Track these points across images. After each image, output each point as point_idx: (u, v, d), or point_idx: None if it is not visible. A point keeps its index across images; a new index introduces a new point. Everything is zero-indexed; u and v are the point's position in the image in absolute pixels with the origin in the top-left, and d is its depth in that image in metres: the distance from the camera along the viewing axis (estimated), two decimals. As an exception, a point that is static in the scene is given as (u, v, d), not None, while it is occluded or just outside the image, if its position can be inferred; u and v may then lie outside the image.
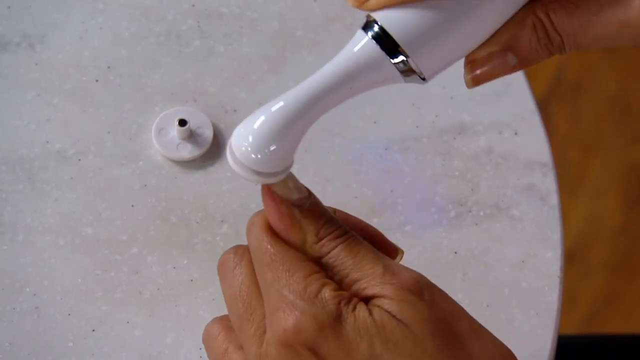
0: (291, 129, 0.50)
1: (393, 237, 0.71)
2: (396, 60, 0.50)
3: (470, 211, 0.74)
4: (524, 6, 0.53)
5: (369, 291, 0.49)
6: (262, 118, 0.50)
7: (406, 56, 0.50)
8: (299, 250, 0.51)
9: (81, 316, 0.69)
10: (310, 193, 0.52)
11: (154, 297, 0.70)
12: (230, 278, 0.54)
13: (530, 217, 0.74)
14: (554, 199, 0.75)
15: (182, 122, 0.73)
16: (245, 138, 0.50)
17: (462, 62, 0.54)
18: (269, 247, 0.51)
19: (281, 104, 0.50)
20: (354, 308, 0.49)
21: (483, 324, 0.68)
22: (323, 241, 0.51)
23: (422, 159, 0.76)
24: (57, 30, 0.77)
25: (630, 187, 1.67)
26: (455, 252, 0.72)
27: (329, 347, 0.49)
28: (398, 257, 0.56)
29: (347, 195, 0.74)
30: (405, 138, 0.76)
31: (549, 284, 0.71)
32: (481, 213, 0.74)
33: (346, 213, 0.56)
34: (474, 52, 0.53)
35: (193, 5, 0.78)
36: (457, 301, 0.68)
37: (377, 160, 0.75)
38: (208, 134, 0.74)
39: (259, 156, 0.49)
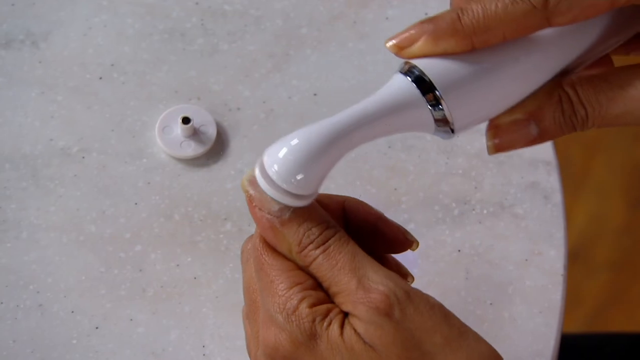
0: (320, 158, 0.50)
1: (397, 235, 0.71)
2: (432, 105, 0.51)
3: (474, 209, 0.74)
4: (552, 80, 0.54)
5: (345, 307, 0.50)
6: (296, 142, 0.50)
7: (441, 103, 0.51)
8: (290, 259, 0.52)
9: (85, 313, 0.69)
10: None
11: (157, 294, 0.70)
12: (244, 269, 0.55)
13: (534, 215, 0.74)
14: (557, 197, 0.75)
15: (186, 120, 0.73)
16: (275, 159, 0.50)
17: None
18: (260, 254, 0.52)
19: (316, 130, 0.50)
20: (329, 325, 0.49)
21: (486, 322, 0.69)
22: (304, 252, 0.51)
23: (425, 157, 0.76)
24: (61, 28, 0.77)
25: (634, 186, 1.66)
26: (459, 250, 0.72)
27: None
28: (413, 247, 0.56)
29: (351, 193, 0.73)
30: (408, 136, 0.76)
31: (552, 282, 0.71)
32: (485, 211, 0.74)
33: (360, 203, 0.55)
34: (498, 117, 0.53)
35: (197, 3, 0.78)
36: (460, 299, 0.68)
37: (380, 158, 0.75)
38: (212, 131, 0.74)
39: (287, 179, 0.49)
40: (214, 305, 0.70)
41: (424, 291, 0.51)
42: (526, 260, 0.72)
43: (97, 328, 0.68)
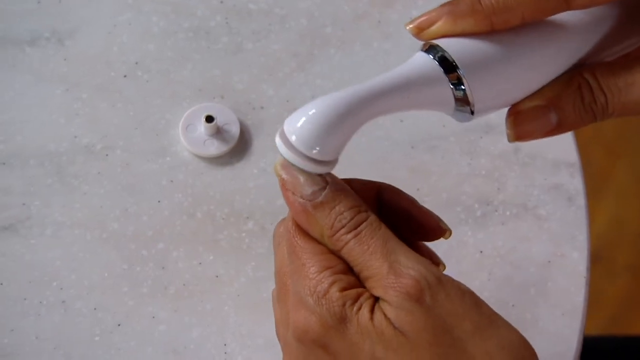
0: (337, 127, 0.50)
1: (419, 235, 0.71)
2: (453, 84, 0.51)
3: (496, 210, 0.74)
4: (571, 69, 0.54)
5: (375, 292, 0.49)
6: (314, 111, 0.50)
7: (463, 83, 0.51)
8: (321, 243, 0.52)
9: (107, 310, 0.69)
10: (327, 182, 0.51)
11: (179, 292, 0.70)
12: (276, 252, 0.55)
13: (557, 217, 0.74)
14: (580, 199, 0.74)
15: (210, 119, 0.73)
16: (296, 123, 0.50)
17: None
18: (292, 237, 0.52)
19: (336, 96, 0.50)
20: (359, 309, 0.49)
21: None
22: (336, 235, 0.50)
23: (448, 158, 0.75)
24: (86, 26, 0.77)
25: (656, 189, 1.66)
26: (481, 252, 0.72)
27: (336, 346, 0.49)
28: (446, 235, 0.55)
29: (374, 193, 0.73)
30: (431, 137, 0.76)
31: (575, 284, 0.71)
32: (508, 212, 0.74)
33: (394, 189, 0.55)
34: (519, 103, 0.53)
35: (222, 2, 0.79)
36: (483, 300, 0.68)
37: (403, 158, 0.75)
38: (235, 130, 0.74)
39: (306, 146, 0.49)
40: (235, 304, 0.70)
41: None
42: (549, 262, 0.72)
43: (119, 325, 0.69)
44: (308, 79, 0.77)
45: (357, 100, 0.50)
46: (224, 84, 0.77)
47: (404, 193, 0.56)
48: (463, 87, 0.51)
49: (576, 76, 0.53)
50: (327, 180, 0.51)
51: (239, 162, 0.74)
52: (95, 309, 0.69)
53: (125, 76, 0.76)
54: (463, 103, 0.51)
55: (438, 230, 0.55)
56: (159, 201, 0.72)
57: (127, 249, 0.71)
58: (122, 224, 0.71)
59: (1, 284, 0.69)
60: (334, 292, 0.49)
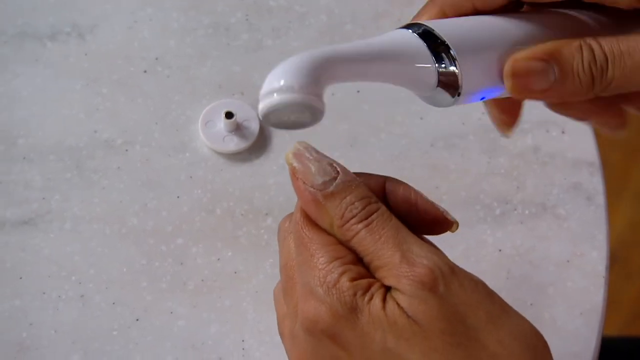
0: (317, 70, 0.49)
1: (438, 233, 0.71)
2: (439, 61, 0.51)
3: (515, 209, 0.74)
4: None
5: (387, 281, 0.49)
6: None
7: (454, 62, 0.50)
8: (330, 234, 0.52)
9: (126, 305, 0.69)
10: (338, 173, 0.51)
11: (198, 288, 0.70)
12: (282, 247, 0.55)
13: (576, 216, 0.73)
14: (600, 198, 0.74)
15: (229, 115, 0.73)
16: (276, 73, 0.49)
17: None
18: (301, 229, 0.52)
19: (319, 50, 0.50)
20: (370, 299, 0.49)
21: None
22: (346, 225, 0.50)
23: (467, 156, 0.75)
24: (106, 21, 0.78)
25: (674, 191, 1.65)
26: (500, 250, 0.72)
27: (346, 336, 0.49)
28: (453, 228, 0.55)
29: (392, 191, 0.73)
30: (451, 135, 0.76)
31: (594, 284, 0.71)
32: (526, 211, 0.74)
33: (401, 182, 0.55)
34: (519, 53, 0.53)
35: (242, -1, 0.79)
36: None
37: (422, 156, 0.75)
38: (254, 127, 0.74)
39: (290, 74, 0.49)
40: (253, 300, 0.70)
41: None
42: (568, 261, 0.72)
43: (137, 320, 0.69)
44: (328, 76, 0.77)
45: (330, 58, 0.50)
46: (244, 81, 0.77)
47: (410, 186, 0.55)
48: (452, 68, 0.51)
49: (577, 40, 0.52)
50: (338, 171, 0.51)
51: (258, 159, 0.74)
52: (113, 303, 0.69)
53: (145, 72, 0.76)
54: (447, 84, 0.51)
55: (445, 222, 0.55)
56: (178, 197, 0.73)
57: (146, 244, 0.71)
58: (142, 219, 0.72)
59: (20, 277, 0.69)
60: (345, 282, 0.49)
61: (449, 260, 0.50)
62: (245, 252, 0.71)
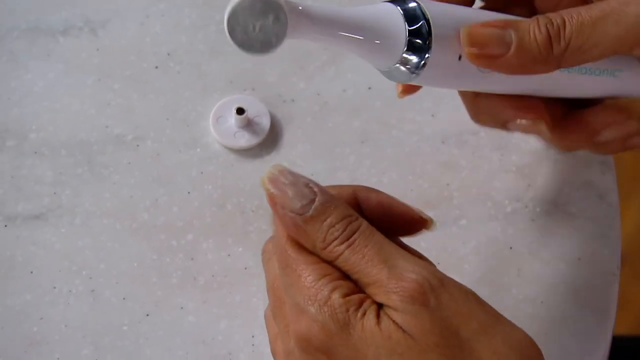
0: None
1: (449, 230, 0.71)
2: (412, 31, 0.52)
3: (526, 207, 0.73)
4: None
5: (378, 298, 0.49)
6: None
7: (430, 30, 0.52)
8: (314, 253, 0.51)
9: (136, 300, 0.69)
10: (316, 195, 0.51)
11: (208, 283, 0.70)
12: (267, 269, 0.56)
13: (587, 214, 0.73)
14: (612, 196, 0.74)
15: (240, 111, 0.73)
16: None
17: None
18: (284, 251, 0.52)
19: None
20: (363, 315, 0.49)
21: (537, 320, 0.68)
22: (329, 248, 0.50)
23: (479, 153, 0.75)
24: (119, 16, 0.78)
25: (686, 190, 1.65)
26: (511, 248, 0.72)
27: (341, 352, 0.49)
28: (429, 226, 0.55)
29: (403, 188, 0.73)
30: (462, 132, 0.76)
31: (605, 282, 0.71)
32: (538, 209, 0.73)
33: (370, 189, 0.55)
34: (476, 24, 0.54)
35: (254, -6, 0.78)
36: (512, 297, 0.67)
37: (434, 153, 0.75)
38: (265, 123, 0.74)
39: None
40: (264, 296, 0.69)
41: (475, 289, 0.51)
42: (579, 259, 0.72)
43: (147, 315, 0.69)
44: (339, 72, 0.77)
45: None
46: (255, 77, 0.77)
47: (381, 192, 0.55)
48: (423, 40, 0.52)
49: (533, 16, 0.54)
50: (315, 192, 0.51)
51: (269, 155, 0.74)
52: (124, 298, 0.69)
53: (157, 67, 0.76)
54: (414, 54, 0.52)
55: (421, 221, 0.55)
56: (189, 192, 0.73)
57: (156, 240, 0.71)
58: (152, 215, 0.72)
59: (31, 272, 0.69)
60: (336, 299, 0.49)
61: (437, 271, 0.49)
62: (256, 247, 0.71)
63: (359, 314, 0.49)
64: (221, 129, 0.74)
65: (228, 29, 0.49)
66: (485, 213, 0.73)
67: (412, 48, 0.53)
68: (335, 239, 0.50)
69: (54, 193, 0.72)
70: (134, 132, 0.74)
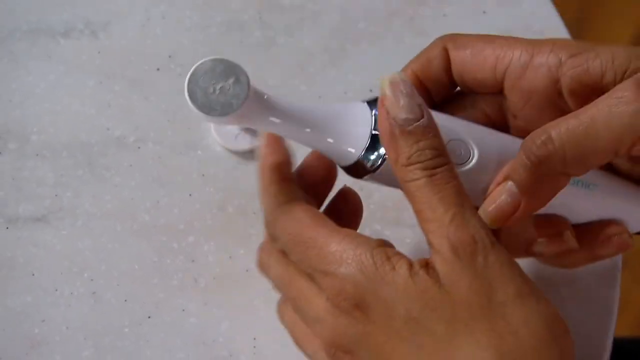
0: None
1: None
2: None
3: (528, 209, 0.73)
4: None
5: (430, 238, 0.50)
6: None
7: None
8: (328, 228, 0.52)
9: (137, 302, 0.69)
10: (423, 116, 0.51)
11: (209, 285, 0.70)
12: (270, 270, 0.57)
13: (588, 216, 0.73)
14: (613, 199, 0.74)
15: (242, 113, 0.73)
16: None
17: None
18: (300, 233, 0.53)
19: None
20: (393, 268, 0.49)
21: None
22: (410, 167, 0.50)
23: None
24: (120, 18, 0.78)
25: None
26: (512, 250, 0.72)
27: (374, 306, 0.49)
28: None
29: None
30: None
31: (606, 285, 0.71)
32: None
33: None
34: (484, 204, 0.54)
35: (255, -4, 0.79)
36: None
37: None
38: (267, 124, 0.74)
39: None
40: (265, 298, 0.70)
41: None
42: (580, 261, 0.72)
43: (149, 317, 0.69)
44: (340, 74, 0.77)
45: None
46: (256, 79, 0.76)
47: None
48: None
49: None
50: (423, 114, 0.51)
51: (270, 157, 0.74)
52: (125, 300, 0.69)
53: (158, 69, 0.76)
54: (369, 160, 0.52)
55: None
56: (190, 194, 0.73)
57: (157, 241, 0.71)
58: (153, 216, 0.72)
59: (32, 274, 0.69)
60: (363, 254, 0.50)
61: (492, 234, 0.50)
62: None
63: (388, 267, 0.49)
64: (222, 131, 0.74)
65: (188, 91, 0.49)
66: (487, 215, 0.73)
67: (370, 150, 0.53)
68: (420, 162, 0.50)
69: (55, 195, 0.72)
70: (135, 134, 0.74)
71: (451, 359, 0.48)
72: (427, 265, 0.49)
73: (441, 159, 0.50)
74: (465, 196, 0.50)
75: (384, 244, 0.51)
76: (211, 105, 0.49)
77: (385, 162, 0.52)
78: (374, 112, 0.53)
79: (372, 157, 0.53)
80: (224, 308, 0.69)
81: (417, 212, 0.50)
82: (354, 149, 0.53)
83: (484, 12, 0.78)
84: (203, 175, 0.73)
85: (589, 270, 0.71)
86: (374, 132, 0.52)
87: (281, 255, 0.57)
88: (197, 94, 0.49)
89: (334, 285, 0.50)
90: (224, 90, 0.49)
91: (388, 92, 0.51)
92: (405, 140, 0.50)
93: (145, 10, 0.78)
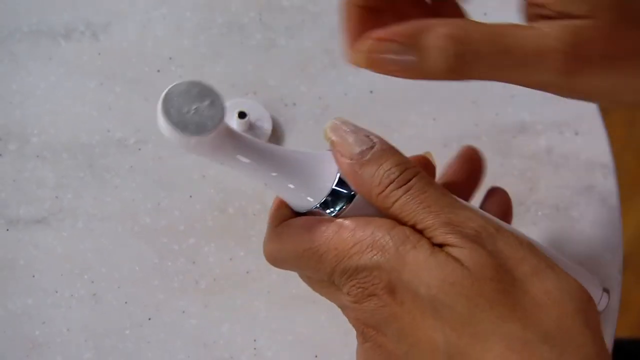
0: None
1: (450, 234, 0.71)
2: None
3: (528, 211, 0.73)
4: None
5: (435, 241, 0.50)
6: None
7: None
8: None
9: (138, 304, 0.69)
10: (376, 143, 0.51)
11: (210, 287, 0.70)
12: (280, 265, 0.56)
13: (589, 218, 0.73)
14: (613, 200, 0.74)
15: (242, 115, 0.73)
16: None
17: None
18: (301, 243, 0.52)
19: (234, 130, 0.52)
20: (414, 247, 0.49)
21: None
22: (385, 192, 0.50)
23: (481, 157, 0.75)
24: (120, 20, 0.78)
25: (686, 193, 1.65)
26: (513, 252, 0.72)
27: (399, 288, 0.49)
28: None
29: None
30: (464, 136, 0.76)
31: (608, 286, 0.71)
32: (539, 213, 0.73)
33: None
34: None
35: (255, -2, 0.79)
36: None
37: (435, 157, 0.75)
38: (267, 126, 0.74)
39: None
40: (265, 300, 0.70)
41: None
42: (581, 263, 0.72)
43: (149, 319, 0.69)
44: (340, 75, 0.77)
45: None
46: (257, 80, 0.77)
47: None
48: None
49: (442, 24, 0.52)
50: (374, 141, 0.51)
51: (271, 158, 0.74)
52: (126, 302, 0.69)
53: (158, 71, 0.76)
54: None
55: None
56: (190, 196, 0.73)
57: (158, 243, 0.71)
58: (154, 218, 0.72)
59: (33, 276, 0.69)
60: (382, 238, 0.49)
61: (493, 220, 0.50)
62: (258, 251, 0.71)
63: (409, 246, 0.49)
64: (223, 132, 0.74)
65: (162, 110, 0.49)
66: (487, 217, 0.73)
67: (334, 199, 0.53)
68: (391, 182, 0.50)
69: (56, 197, 0.72)
70: (135, 136, 0.74)
71: (475, 334, 0.48)
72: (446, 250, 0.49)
73: (409, 171, 0.51)
74: (449, 196, 0.50)
75: (398, 224, 0.51)
76: (186, 123, 0.49)
77: (344, 212, 0.52)
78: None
79: (330, 209, 0.53)
80: (224, 310, 0.69)
81: (412, 227, 0.50)
82: (313, 199, 0.53)
83: (485, 13, 0.78)
84: (204, 176, 0.73)
85: (590, 271, 0.71)
86: (334, 187, 0.52)
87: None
88: (171, 112, 0.49)
89: (358, 277, 0.50)
90: (199, 111, 0.49)
91: (334, 137, 0.52)
92: (369, 170, 0.51)
93: (145, 12, 0.78)
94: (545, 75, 0.52)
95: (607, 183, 0.75)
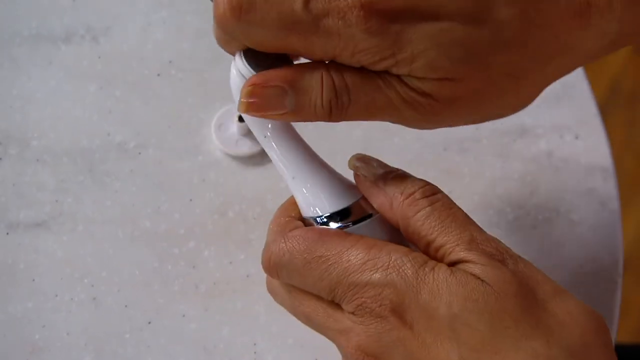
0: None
1: (451, 238, 0.71)
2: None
3: (529, 214, 0.73)
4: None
5: (454, 256, 0.49)
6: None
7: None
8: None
9: (138, 308, 0.69)
10: (398, 169, 0.52)
11: (210, 291, 0.70)
12: (285, 298, 0.56)
13: (589, 222, 0.73)
14: (614, 203, 0.74)
15: (242, 118, 0.73)
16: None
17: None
18: (313, 250, 0.52)
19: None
20: (432, 269, 0.49)
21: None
22: (409, 199, 0.51)
23: (481, 161, 0.75)
24: (121, 23, 0.78)
25: (687, 197, 1.65)
26: (513, 255, 0.72)
27: (412, 311, 0.49)
28: None
29: (405, 195, 0.73)
30: (464, 139, 0.76)
31: (607, 290, 0.71)
32: (540, 216, 0.73)
33: None
34: (260, 76, 0.53)
35: (256, 2, 0.78)
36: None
37: (435, 160, 0.75)
38: (267, 130, 0.74)
39: None
40: (265, 303, 0.70)
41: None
42: (581, 266, 0.72)
43: (149, 323, 0.69)
44: (341, 79, 0.77)
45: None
46: (257, 84, 0.77)
47: None
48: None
49: (320, 67, 0.51)
50: (397, 169, 0.53)
51: (270, 162, 0.74)
52: (126, 306, 0.69)
53: (158, 75, 0.76)
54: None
55: None
56: (190, 200, 0.73)
57: (158, 247, 0.71)
58: (154, 222, 0.72)
59: (33, 280, 0.69)
60: (399, 259, 0.49)
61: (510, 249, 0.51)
62: (258, 255, 0.71)
63: (427, 268, 0.49)
64: (223, 136, 0.74)
65: (243, 54, 0.53)
66: (487, 220, 0.73)
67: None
68: (417, 190, 0.51)
69: (56, 200, 0.72)
70: (135, 140, 0.74)
71: (497, 351, 0.47)
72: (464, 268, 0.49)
73: (433, 187, 0.51)
74: (471, 220, 0.51)
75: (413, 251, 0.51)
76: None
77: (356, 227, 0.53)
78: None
79: (340, 222, 0.53)
80: (224, 313, 0.69)
81: (430, 243, 0.50)
82: (321, 211, 0.53)
83: (485, 17, 0.78)
84: (204, 180, 0.73)
85: (589, 276, 0.71)
86: (350, 204, 0.53)
87: (288, 289, 0.56)
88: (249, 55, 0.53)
89: (369, 296, 0.50)
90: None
91: (358, 164, 0.53)
92: (392, 184, 0.52)
93: (146, 16, 0.78)
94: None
95: (607, 186, 0.74)
